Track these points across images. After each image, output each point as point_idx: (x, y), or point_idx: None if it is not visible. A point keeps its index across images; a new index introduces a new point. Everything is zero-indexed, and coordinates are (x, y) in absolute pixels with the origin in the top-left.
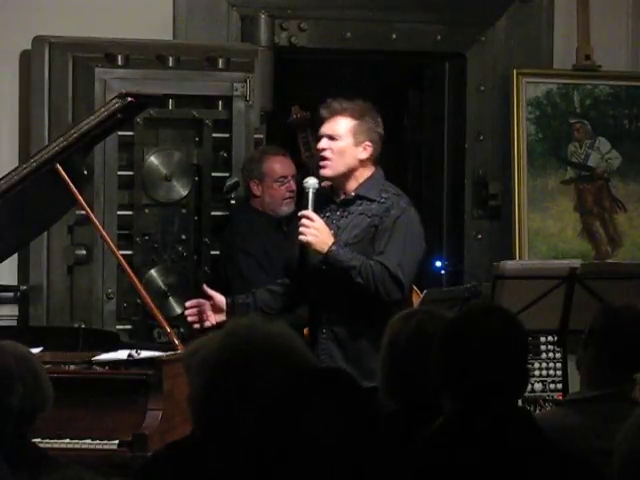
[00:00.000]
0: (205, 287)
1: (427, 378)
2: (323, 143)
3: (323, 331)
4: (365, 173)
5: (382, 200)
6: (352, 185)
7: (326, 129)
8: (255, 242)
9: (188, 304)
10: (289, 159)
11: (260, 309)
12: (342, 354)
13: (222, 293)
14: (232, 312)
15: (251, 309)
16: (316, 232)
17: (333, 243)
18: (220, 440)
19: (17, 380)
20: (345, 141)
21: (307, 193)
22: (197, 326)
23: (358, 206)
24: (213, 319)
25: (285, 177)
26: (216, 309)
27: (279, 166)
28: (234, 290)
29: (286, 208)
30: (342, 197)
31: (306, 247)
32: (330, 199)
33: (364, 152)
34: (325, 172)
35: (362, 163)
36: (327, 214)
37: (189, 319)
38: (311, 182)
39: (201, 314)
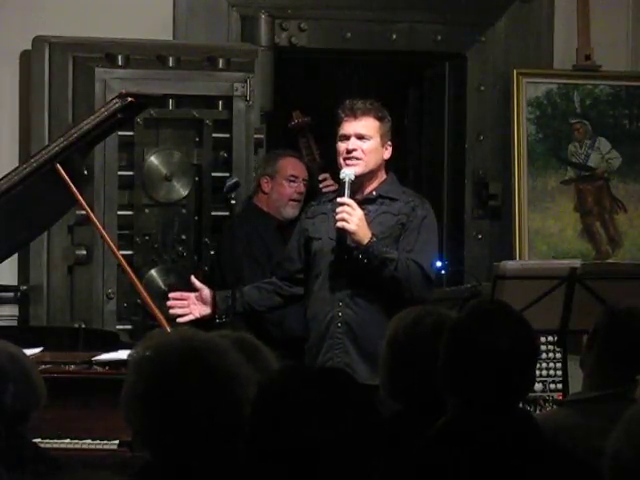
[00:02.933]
0: (193, 279)
1: (427, 376)
2: (353, 143)
3: (338, 325)
4: (383, 174)
5: (408, 200)
6: (372, 185)
7: (355, 128)
8: (260, 247)
9: (172, 295)
10: (303, 163)
11: (248, 304)
12: (357, 350)
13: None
14: (217, 306)
15: (238, 304)
16: (358, 221)
17: (373, 234)
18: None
19: (10, 379)
20: (374, 141)
21: (344, 183)
22: (180, 319)
23: (379, 205)
24: (197, 312)
25: (296, 177)
26: (202, 302)
27: (292, 166)
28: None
29: (290, 210)
30: (360, 196)
31: (343, 235)
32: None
33: (387, 152)
34: (356, 170)
35: (383, 163)
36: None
37: (171, 311)
38: (347, 172)
39: (185, 306)
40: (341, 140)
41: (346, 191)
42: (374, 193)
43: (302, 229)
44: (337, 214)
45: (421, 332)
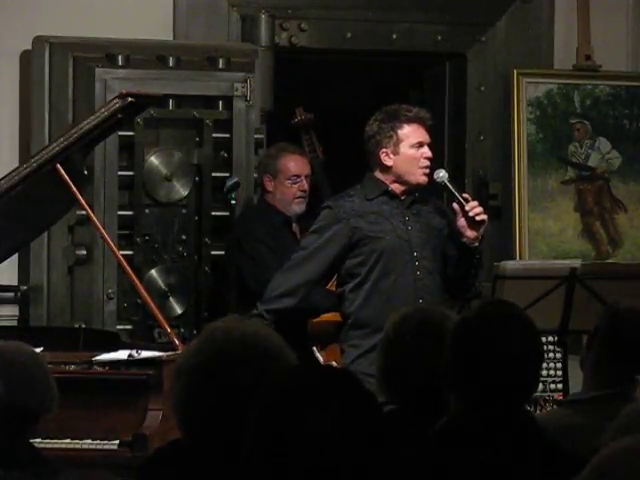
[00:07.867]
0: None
1: (416, 373)
2: (429, 152)
3: None
4: None
5: (428, 197)
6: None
7: (428, 137)
8: (263, 229)
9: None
10: (306, 159)
11: None
12: None
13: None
14: None
15: None
16: None
17: None
18: (209, 443)
19: (32, 380)
20: None
21: (446, 185)
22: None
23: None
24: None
25: (298, 176)
26: None
27: (293, 164)
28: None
29: (297, 208)
30: (410, 197)
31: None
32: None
33: None
34: (426, 178)
35: None
36: (394, 214)
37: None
38: (442, 174)
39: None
40: (415, 147)
41: (455, 190)
42: (416, 194)
43: (350, 228)
44: (469, 211)
45: (407, 329)
